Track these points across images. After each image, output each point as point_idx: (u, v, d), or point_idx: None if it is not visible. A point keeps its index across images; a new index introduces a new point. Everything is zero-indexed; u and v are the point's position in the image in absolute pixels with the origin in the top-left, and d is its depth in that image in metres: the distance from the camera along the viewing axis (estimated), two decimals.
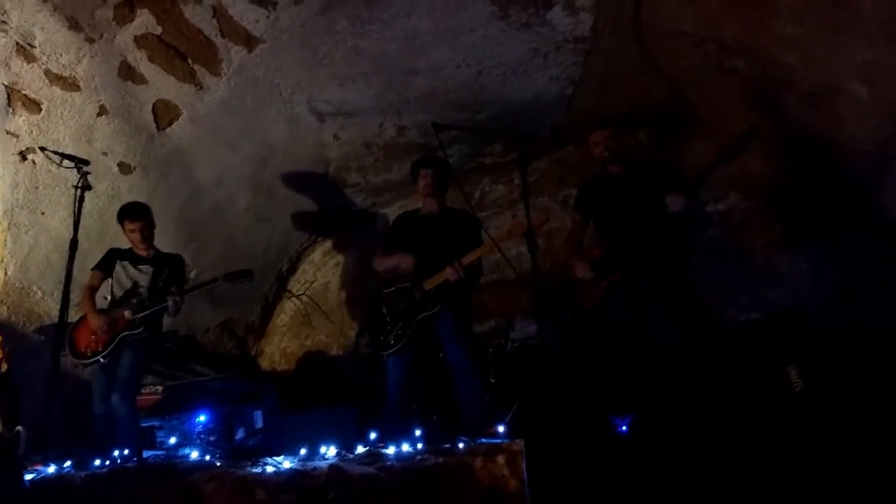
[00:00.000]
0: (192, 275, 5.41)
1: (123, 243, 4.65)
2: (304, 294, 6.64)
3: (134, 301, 4.41)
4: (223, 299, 5.91)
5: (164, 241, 4.82)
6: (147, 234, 4.56)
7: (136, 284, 4.48)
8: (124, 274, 4.51)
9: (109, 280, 4.55)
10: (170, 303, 4.33)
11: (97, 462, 3.45)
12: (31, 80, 4.26)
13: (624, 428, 2.99)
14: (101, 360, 4.25)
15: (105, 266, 4.55)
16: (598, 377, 4.01)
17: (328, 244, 6.80)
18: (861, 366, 3.21)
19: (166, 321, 4.65)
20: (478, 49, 4.58)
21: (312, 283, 6.78)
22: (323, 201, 6.21)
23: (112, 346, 4.28)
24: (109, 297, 4.53)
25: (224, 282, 4.54)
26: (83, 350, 4.31)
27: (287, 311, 6.79)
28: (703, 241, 5.13)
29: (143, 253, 4.59)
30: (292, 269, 6.77)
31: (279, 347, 6.72)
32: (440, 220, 4.39)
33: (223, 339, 6.29)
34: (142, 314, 4.33)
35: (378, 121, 5.31)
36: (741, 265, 5.03)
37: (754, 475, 2.59)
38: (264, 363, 6.68)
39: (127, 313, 4.33)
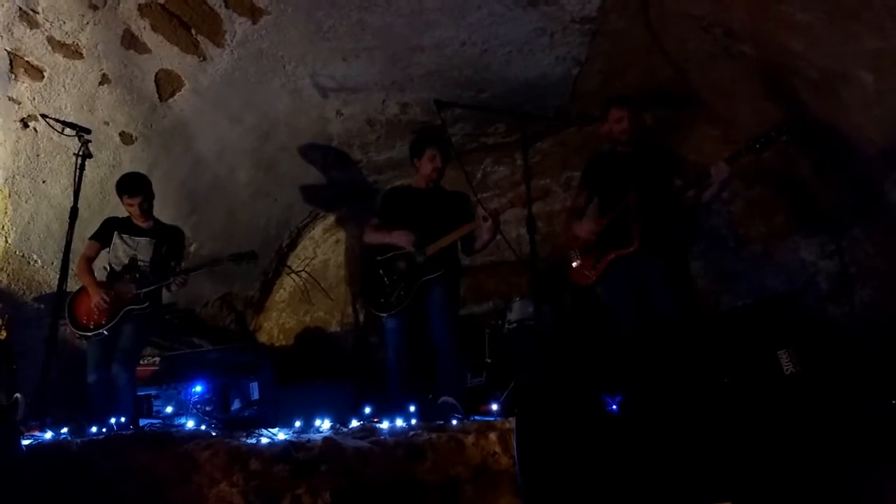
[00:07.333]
0: (192, 248, 5.41)
1: (124, 213, 4.64)
2: (303, 271, 6.63)
3: (137, 275, 4.41)
4: (223, 274, 5.90)
5: (164, 213, 4.80)
6: (146, 207, 4.51)
7: (135, 257, 4.47)
8: (122, 245, 4.49)
9: (107, 251, 4.53)
10: (173, 283, 4.39)
11: (94, 429, 3.47)
12: (33, 46, 4.24)
13: (614, 407, 3.00)
14: (105, 332, 4.25)
15: (102, 237, 4.51)
16: (590, 357, 4.02)
17: (329, 221, 6.78)
18: (852, 353, 3.22)
19: (166, 294, 4.66)
20: (483, 27, 4.55)
21: (312, 259, 6.77)
22: (324, 177, 6.20)
23: (116, 320, 4.28)
24: (108, 268, 4.53)
25: (228, 262, 4.55)
26: (85, 322, 4.30)
27: (286, 287, 6.78)
28: (703, 228, 5.12)
29: (143, 225, 4.56)
30: (292, 245, 6.76)
31: (278, 323, 6.73)
32: (434, 194, 4.40)
33: (222, 313, 6.30)
34: (146, 289, 4.34)
35: (381, 97, 5.28)
36: (741, 252, 5.02)
37: (740, 456, 2.61)
38: (263, 338, 6.69)
39: (131, 287, 4.34)
